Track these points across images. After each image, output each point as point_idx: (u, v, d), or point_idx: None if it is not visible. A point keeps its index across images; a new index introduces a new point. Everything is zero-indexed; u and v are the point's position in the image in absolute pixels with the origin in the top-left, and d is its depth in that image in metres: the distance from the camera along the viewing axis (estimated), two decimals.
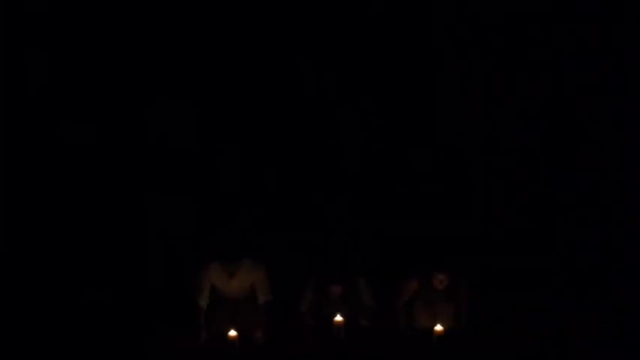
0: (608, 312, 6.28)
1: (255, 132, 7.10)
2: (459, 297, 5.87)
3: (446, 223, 7.11)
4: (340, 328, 5.87)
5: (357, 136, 7.13)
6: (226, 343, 5.70)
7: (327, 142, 7.14)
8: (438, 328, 5.70)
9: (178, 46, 6.85)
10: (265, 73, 6.96)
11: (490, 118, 7.05)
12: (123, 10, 6.72)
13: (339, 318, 5.87)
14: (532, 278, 6.84)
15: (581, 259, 6.94)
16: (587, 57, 6.81)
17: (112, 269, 6.87)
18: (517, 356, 5.73)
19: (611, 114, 6.92)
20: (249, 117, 7.07)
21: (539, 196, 7.10)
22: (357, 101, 7.06)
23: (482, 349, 5.78)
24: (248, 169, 7.15)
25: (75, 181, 6.94)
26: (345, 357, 5.76)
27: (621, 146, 6.93)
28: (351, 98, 7.05)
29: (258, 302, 5.85)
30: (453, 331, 5.82)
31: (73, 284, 6.66)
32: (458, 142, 7.10)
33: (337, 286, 5.95)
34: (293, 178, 7.17)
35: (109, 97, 6.91)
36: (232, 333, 5.69)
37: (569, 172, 7.06)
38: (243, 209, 7.11)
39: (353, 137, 7.13)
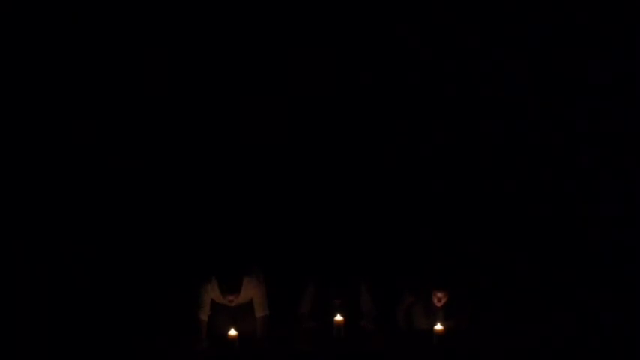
0: (608, 313, 6.29)
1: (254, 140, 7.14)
2: (459, 314, 5.87)
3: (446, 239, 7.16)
4: (340, 328, 5.87)
5: (360, 146, 7.17)
6: (226, 343, 5.71)
7: (329, 149, 7.17)
8: (438, 327, 5.70)
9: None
10: (255, 75, 6.99)
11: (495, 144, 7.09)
12: None
13: (339, 318, 5.87)
14: (532, 278, 6.84)
15: (581, 260, 6.94)
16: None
17: (113, 271, 6.89)
18: (517, 356, 5.74)
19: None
20: (245, 122, 7.10)
21: (538, 197, 7.12)
22: (359, 108, 7.09)
23: (482, 349, 5.78)
24: (249, 176, 7.18)
25: (79, 183, 6.97)
26: (345, 357, 5.76)
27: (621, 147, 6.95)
28: (352, 103, 7.08)
29: (255, 315, 5.89)
30: (453, 332, 5.83)
31: (74, 285, 6.67)
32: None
33: (337, 299, 5.97)
34: (294, 181, 7.19)
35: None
36: (232, 332, 5.70)
37: (568, 175, 7.07)
38: (244, 216, 7.14)
39: (357, 146, 7.17)
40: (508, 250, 7.06)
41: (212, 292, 5.81)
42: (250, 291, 5.84)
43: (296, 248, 6.99)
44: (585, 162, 7.00)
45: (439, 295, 5.73)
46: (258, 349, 5.78)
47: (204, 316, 5.82)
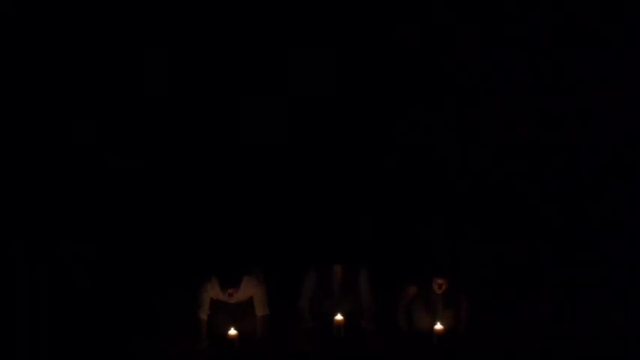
0: (607, 313, 6.29)
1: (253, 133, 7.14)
2: (458, 303, 5.86)
3: (445, 228, 7.14)
4: (340, 328, 5.87)
5: (360, 145, 7.17)
6: (226, 343, 5.71)
7: (329, 149, 7.17)
8: (438, 327, 5.70)
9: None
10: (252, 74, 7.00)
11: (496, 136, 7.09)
12: None
13: (339, 317, 5.87)
14: (531, 278, 6.84)
15: (581, 259, 6.94)
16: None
17: (113, 271, 6.88)
18: (517, 356, 5.73)
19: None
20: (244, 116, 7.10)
21: (538, 197, 7.11)
22: (359, 107, 7.09)
23: (482, 349, 5.78)
24: (249, 175, 7.18)
25: (79, 183, 6.97)
26: (345, 357, 5.76)
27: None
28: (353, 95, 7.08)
29: (256, 314, 5.89)
30: (453, 331, 5.82)
31: (74, 285, 6.67)
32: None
33: (339, 266, 5.95)
34: (294, 181, 7.20)
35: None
36: (232, 332, 5.70)
37: (566, 174, 7.07)
38: (244, 215, 7.14)
39: (356, 146, 7.17)
40: (508, 249, 7.06)
41: (212, 291, 5.81)
42: (250, 290, 5.84)
43: (296, 248, 6.98)
44: (585, 162, 7.00)
45: (439, 281, 5.74)
46: (258, 349, 5.78)
47: (204, 315, 5.82)
